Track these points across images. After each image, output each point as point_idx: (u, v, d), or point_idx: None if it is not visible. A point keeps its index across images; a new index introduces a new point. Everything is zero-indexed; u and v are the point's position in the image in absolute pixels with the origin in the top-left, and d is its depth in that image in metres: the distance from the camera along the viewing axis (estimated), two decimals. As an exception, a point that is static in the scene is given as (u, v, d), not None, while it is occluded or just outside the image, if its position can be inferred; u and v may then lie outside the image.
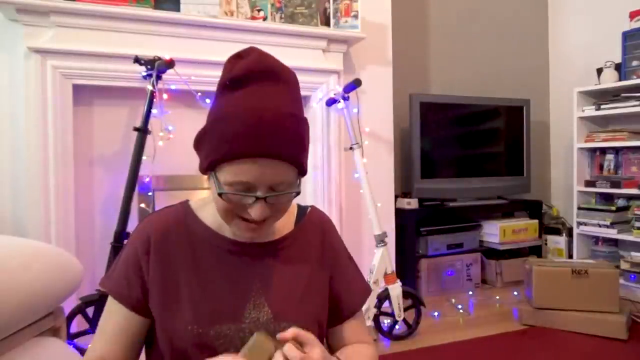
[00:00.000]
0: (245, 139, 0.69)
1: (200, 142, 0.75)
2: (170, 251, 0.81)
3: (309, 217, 0.92)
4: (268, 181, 0.71)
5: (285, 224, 0.89)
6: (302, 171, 0.77)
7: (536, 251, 3.36)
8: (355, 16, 2.44)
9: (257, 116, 0.69)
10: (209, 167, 0.74)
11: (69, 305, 1.67)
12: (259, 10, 2.30)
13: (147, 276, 0.80)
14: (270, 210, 0.74)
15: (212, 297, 0.79)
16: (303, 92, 2.48)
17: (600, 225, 3.02)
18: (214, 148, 0.72)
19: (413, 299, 2.36)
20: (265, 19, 2.31)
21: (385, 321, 2.33)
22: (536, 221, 3.33)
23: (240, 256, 0.83)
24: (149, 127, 1.94)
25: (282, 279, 0.83)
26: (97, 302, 1.83)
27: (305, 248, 0.88)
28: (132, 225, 1.90)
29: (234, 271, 0.82)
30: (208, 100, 2.18)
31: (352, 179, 2.49)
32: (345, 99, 2.32)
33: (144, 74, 1.97)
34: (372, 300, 2.19)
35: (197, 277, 0.80)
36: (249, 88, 0.71)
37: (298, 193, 0.76)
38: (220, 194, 0.72)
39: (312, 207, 0.95)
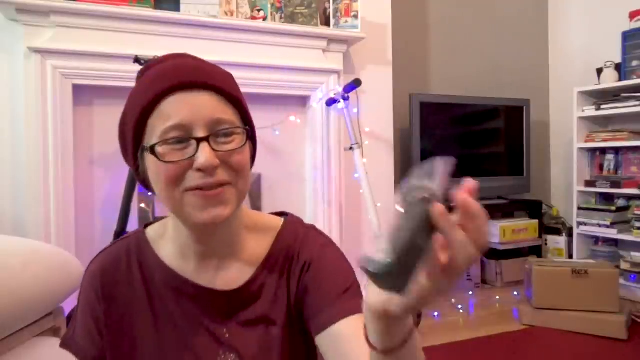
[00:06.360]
0: (164, 76, 0.61)
1: (122, 126, 0.67)
2: (123, 295, 0.70)
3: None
4: (204, 117, 0.60)
5: (256, 258, 0.72)
6: (243, 112, 0.67)
7: (536, 251, 3.36)
8: (355, 16, 2.44)
9: (176, 62, 0.64)
10: (135, 135, 0.63)
11: (69, 305, 1.67)
12: (259, 10, 2.30)
13: (102, 325, 0.70)
14: (220, 160, 0.61)
15: (169, 356, 0.68)
16: (303, 92, 2.52)
17: (600, 225, 3.02)
18: (134, 108, 0.62)
19: (413, 299, 2.35)
20: (265, 19, 2.31)
21: (385, 321, 2.33)
22: (536, 221, 3.32)
23: (205, 306, 0.69)
24: (149, 127, 1.94)
25: (254, 338, 0.69)
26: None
27: (280, 289, 0.72)
28: (132, 225, 1.90)
29: (197, 325, 0.69)
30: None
31: (352, 179, 2.49)
32: (345, 99, 2.32)
33: (144, 74, 1.97)
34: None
35: (154, 327, 0.69)
36: (166, 62, 0.65)
37: (247, 131, 0.65)
38: (153, 150, 0.60)
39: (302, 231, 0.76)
